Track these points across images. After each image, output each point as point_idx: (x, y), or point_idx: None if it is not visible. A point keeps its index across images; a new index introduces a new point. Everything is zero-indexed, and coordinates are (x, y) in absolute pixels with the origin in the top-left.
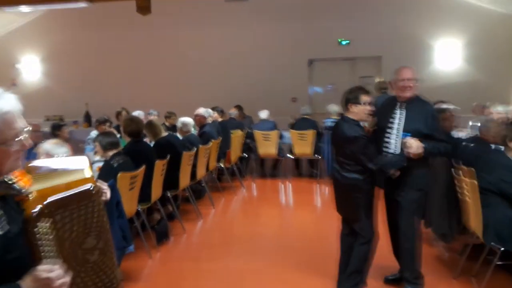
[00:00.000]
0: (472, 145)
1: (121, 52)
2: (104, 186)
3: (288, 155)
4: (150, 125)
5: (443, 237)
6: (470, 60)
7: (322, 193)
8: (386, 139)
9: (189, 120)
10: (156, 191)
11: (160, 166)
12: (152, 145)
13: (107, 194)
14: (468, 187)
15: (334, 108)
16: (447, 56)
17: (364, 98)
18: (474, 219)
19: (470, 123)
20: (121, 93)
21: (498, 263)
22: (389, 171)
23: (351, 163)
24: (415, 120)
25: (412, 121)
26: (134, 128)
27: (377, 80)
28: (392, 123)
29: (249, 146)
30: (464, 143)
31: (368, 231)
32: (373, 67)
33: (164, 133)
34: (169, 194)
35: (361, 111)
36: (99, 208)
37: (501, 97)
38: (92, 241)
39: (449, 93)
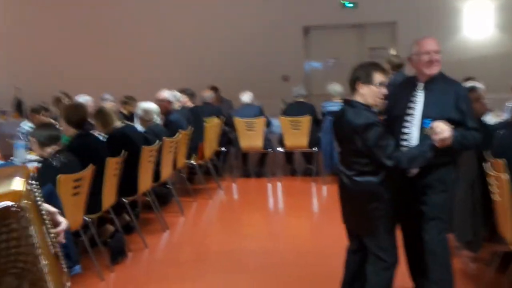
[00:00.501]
0: (502, 132)
1: (62, 25)
2: (52, 209)
3: (278, 148)
4: (100, 113)
5: (468, 245)
6: (506, 26)
7: (320, 195)
8: (406, 130)
9: (151, 106)
10: (108, 197)
11: (113, 165)
12: (103, 139)
13: (62, 224)
14: (498, 182)
15: (337, 88)
16: (478, 22)
17: (379, 77)
18: (504, 222)
19: (509, 106)
20: (64, 75)
21: None
22: (411, 169)
23: (364, 162)
24: (440, 103)
25: (435, 104)
26: (79, 118)
27: (390, 53)
28: (412, 109)
29: (228, 137)
30: (497, 131)
31: (391, 252)
32: (386, 36)
33: (119, 124)
34: (125, 200)
35: (372, 94)
36: (26, 235)
37: None
38: (11, 282)
39: (481, 68)
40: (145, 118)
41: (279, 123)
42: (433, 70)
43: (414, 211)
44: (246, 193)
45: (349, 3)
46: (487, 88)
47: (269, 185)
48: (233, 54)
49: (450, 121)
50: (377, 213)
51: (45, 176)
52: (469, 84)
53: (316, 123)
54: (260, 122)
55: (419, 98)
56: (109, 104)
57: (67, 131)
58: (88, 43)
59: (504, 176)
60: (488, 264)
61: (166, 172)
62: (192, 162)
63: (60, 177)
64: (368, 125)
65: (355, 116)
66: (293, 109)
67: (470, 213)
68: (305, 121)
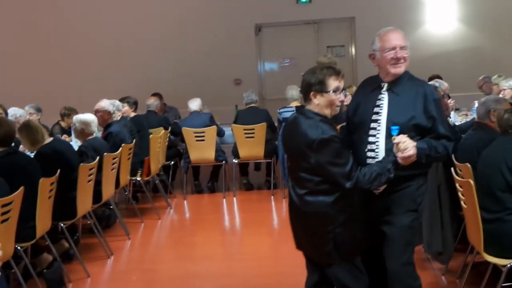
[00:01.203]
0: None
1: None
2: None
3: (232, 159)
4: (26, 128)
5: (437, 257)
6: (470, 20)
7: (279, 209)
8: (372, 138)
9: (89, 117)
10: (43, 222)
11: (47, 187)
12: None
13: None
14: (464, 188)
15: (294, 92)
16: (441, 16)
17: (333, 82)
18: (473, 230)
19: (476, 104)
20: None
21: (504, 284)
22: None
23: (317, 180)
24: (408, 107)
25: (402, 109)
26: (4, 134)
27: (320, 58)
28: (378, 114)
29: (176, 149)
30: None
31: (355, 285)
32: (344, 33)
33: (48, 139)
34: (63, 225)
35: (328, 102)
36: None
37: None
38: None
39: (446, 64)
40: (85, 131)
41: (232, 132)
42: (400, 69)
43: (378, 233)
44: (199, 210)
45: None
46: (453, 86)
47: (224, 201)
48: (179, 56)
49: (419, 127)
50: (331, 238)
51: None
52: (432, 83)
53: (272, 130)
54: (210, 131)
55: (384, 101)
56: (33, 117)
57: None
58: (24, 50)
59: (471, 182)
60: (460, 276)
61: (108, 191)
62: (137, 178)
63: None
64: (324, 141)
65: (310, 129)
66: (246, 116)
67: (438, 222)
68: (260, 129)
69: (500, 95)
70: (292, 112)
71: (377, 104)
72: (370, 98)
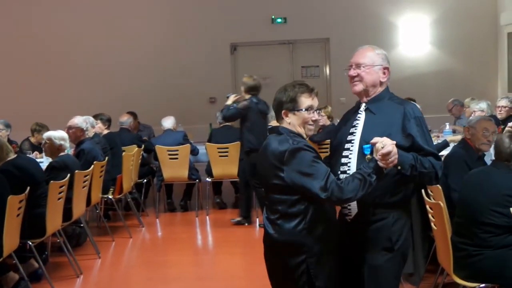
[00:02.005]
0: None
1: None
2: None
3: (206, 178)
4: None
5: (408, 278)
6: (442, 43)
7: (252, 229)
8: (345, 159)
9: (60, 134)
10: (10, 240)
11: (15, 204)
12: None
13: None
14: (435, 210)
15: (273, 112)
16: (414, 39)
17: (306, 100)
18: (443, 252)
19: (447, 127)
20: None
21: None
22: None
23: (290, 199)
24: (383, 126)
25: (377, 128)
26: None
27: (246, 78)
28: (353, 134)
29: (149, 167)
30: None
31: None
32: (319, 54)
33: (12, 155)
34: (31, 244)
35: (301, 121)
36: None
37: (483, 91)
38: None
39: (418, 86)
40: (57, 148)
41: (206, 150)
42: (355, 87)
43: (352, 271)
44: (171, 229)
45: (279, 18)
46: (425, 108)
47: (197, 220)
48: (153, 74)
49: (399, 147)
50: (304, 270)
51: None
52: None
53: None
54: (184, 149)
55: (360, 121)
56: (3, 133)
57: None
58: None
59: (442, 204)
60: None
61: (79, 209)
62: (109, 196)
63: None
64: (295, 150)
65: (281, 143)
66: (219, 135)
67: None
68: (234, 147)
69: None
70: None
71: (353, 124)
72: (350, 120)
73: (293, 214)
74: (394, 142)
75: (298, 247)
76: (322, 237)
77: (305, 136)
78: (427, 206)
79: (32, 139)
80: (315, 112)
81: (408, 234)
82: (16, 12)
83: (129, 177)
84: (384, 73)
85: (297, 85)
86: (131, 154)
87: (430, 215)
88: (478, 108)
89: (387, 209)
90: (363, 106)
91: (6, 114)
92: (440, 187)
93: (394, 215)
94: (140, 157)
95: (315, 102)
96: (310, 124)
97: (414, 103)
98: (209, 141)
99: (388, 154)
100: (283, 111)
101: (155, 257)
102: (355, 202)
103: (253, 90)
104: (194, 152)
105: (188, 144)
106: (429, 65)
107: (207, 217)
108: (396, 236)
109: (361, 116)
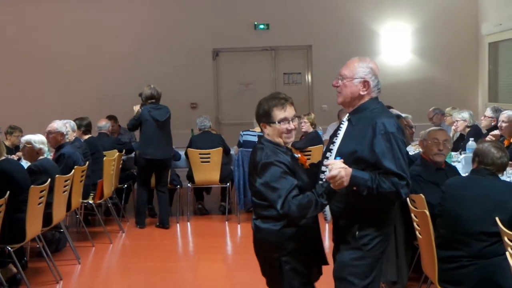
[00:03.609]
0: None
1: None
2: None
3: (187, 183)
4: None
5: (392, 286)
6: (423, 52)
7: (234, 235)
8: (324, 168)
9: (39, 138)
10: None
11: None
12: None
13: None
14: (419, 219)
15: None
16: (396, 47)
17: (278, 113)
18: (428, 260)
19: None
20: None
21: None
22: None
23: (264, 205)
24: (357, 139)
25: (351, 140)
26: None
27: (145, 89)
28: (333, 144)
29: (130, 172)
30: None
31: None
32: (301, 61)
33: (2, 158)
34: (10, 248)
35: (276, 133)
36: None
37: (464, 100)
38: None
39: (399, 95)
40: (37, 152)
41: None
42: (338, 98)
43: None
44: (151, 235)
45: (262, 24)
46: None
47: (178, 226)
48: (135, 79)
49: (363, 161)
50: (278, 266)
51: None
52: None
53: (226, 155)
54: None
55: (341, 131)
56: None
57: None
58: None
59: (427, 213)
60: None
61: (59, 214)
62: (90, 201)
63: None
64: (266, 164)
65: (258, 153)
66: (200, 141)
67: (393, 251)
68: (216, 153)
69: (453, 127)
70: (254, 136)
71: (336, 133)
72: (336, 129)
73: (267, 217)
74: (342, 165)
75: (272, 245)
76: (295, 237)
77: (283, 144)
78: (412, 215)
79: (7, 142)
80: (290, 122)
81: (384, 241)
82: None
83: (109, 182)
84: (364, 86)
85: (270, 99)
86: (112, 159)
87: (415, 224)
88: (460, 117)
89: (352, 212)
90: (346, 116)
91: None
92: (423, 196)
93: (362, 219)
94: (121, 162)
95: (288, 113)
96: (286, 133)
97: (389, 118)
98: (189, 147)
99: (333, 178)
100: (261, 124)
101: (135, 264)
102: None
103: (150, 98)
104: (175, 157)
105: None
106: (411, 73)
107: (188, 223)
108: (366, 238)
109: (343, 126)
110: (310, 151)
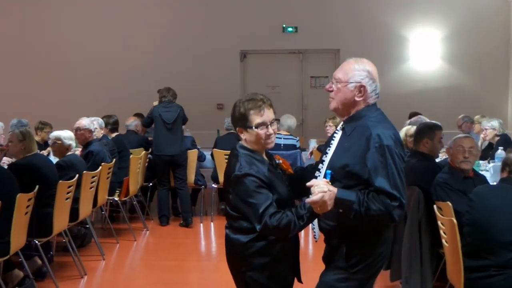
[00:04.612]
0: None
1: None
2: None
3: (212, 184)
4: (28, 136)
5: None
6: (452, 58)
7: None
8: (310, 183)
9: (68, 134)
10: (18, 238)
11: (24, 202)
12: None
13: None
14: (446, 227)
15: (289, 121)
16: (425, 53)
17: (256, 118)
18: (454, 268)
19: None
20: None
21: None
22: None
23: (234, 215)
24: (349, 152)
25: (344, 152)
26: None
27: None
28: (326, 155)
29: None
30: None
31: None
32: (328, 64)
33: (34, 152)
34: (37, 242)
35: (254, 139)
36: None
37: (493, 108)
38: None
39: (427, 101)
40: (66, 148)
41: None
42: (330, 104)
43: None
44: (175, 234)
45: (290, 27)
46: None
47: (201, 225)
48: (162, 78)
49: (354, 176)
50: (244, 281)
51: None
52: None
53: None
54: (192, 155)
55: (335, 141)
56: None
57: None
58: (4, 66)
59: (454, 221)
60: None
61: (85, 209)
62: (115, 198)
63: None
64: (238, 177)
65: (233, 164)
66: (226, 141)
67: (417, 258)
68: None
69: (482, 135)
70: (279, 139)
71: (330, 143)
72: (330, 138)
73: (236, 228)
74: (325, 188)
75: (239, 258)
76: (263, 252)
77: (261, 151)
78: (439, 222)
79: (36, 138)
80: (268, 126)
81: (374, 264)
82: (25, 16)
83: (135, 180)
84: (360, 92)
85: (246, 101)
86: (139, 157)
87: (441, 232)
88: (489, 126)
89: (350, 231)
90: (341, 124)
91: (12, 114)
92: (450, 204)
93: (357, 238)
94: (147, 160)
95: (266, 117)
96: (265, 139)
97: (387, 129)
98: (215, 147)
99: (314, 203)
100: (237, 129)
101: (158, 261)
102: (317, 222)
103: (162, 97)
104: (201, 158)
105: (196, 150)
106: (439, 80)
107: (212, 223)
108: (354, 259)
109: (337, 136)
110: None
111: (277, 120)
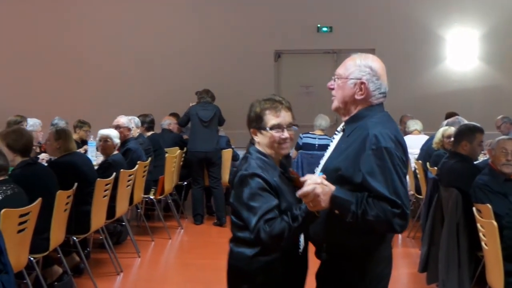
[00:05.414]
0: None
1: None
2: None
3: None
4: (64, 134)
5: None
6: (490, 58)
7: None
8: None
9: (115, 133)
10: (57, 234)
11: (63, 199)
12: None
13: None
14: (486, 229)
15: (323, 122)
16: (462, 53)
17: (271, 118)
18: (494, 272)
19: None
20: (10, 96)
21: None
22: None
23: (239, 224)
24: (345, 154)
25: (339, 155)
26: (25, 144)
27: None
28: (324, 157)
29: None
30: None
31: None
32: None
33: (73, 151)
34: (75, 238)
35: (267, 141)
36: None
37: None
38: None
39: (463, 102)
40: (110, 147)
41: None
42: (332, 103)
43: None
44: (209, 233)
45: (325, 27)
46: None
47: None
48: (196, 78)
49: (346, 181)
50: None
51: None
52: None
53: (285, 157)
54: (226, 154)
55: (333, 142)
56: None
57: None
58: (37, 62)
59: (494, 223)
60: None
61: (122, 207)
62: (151, 196)
63: (4, 212)
64: (244, 177)
65: (240, 164)
66: None
67: (455, 261)
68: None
69: None
70: (314, 139)
71: (329, 144)
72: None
73: (240, 240)
74: (319, 181)
75: (241, 274)
76: (270, 268)
77: (274, 156)
78: (478, 225)
79: (75, 136)
80: (284, 130)
81: (370, 287)
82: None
83: (170, 178)
84: (360, 89)
85: (263, 100)
86: (174, 156)
87: (480, 234)
88: None
89: (340, 246)
90: (341, 125)
91: (49, 114)
92: (489, 206)
93: (349, 255)
94: (182, 159)
95: (283, 119)
96: (280, 143)
97: (386, 129)
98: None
99: (305, 195)
100: (251, 130)
101: (192, 260)
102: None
103: (201, 98)
104: (235, 157)
105: (231, 149)
106: (476, 80)
107: None
108: (344, 282)
109: (336, 137)
110: None
111: (296, 125)
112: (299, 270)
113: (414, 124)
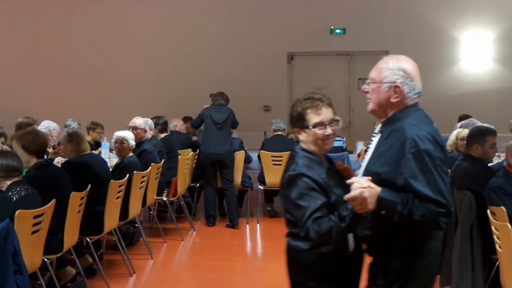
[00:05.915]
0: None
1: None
2: None
3: (258, 185)
4: (77, 136)
5: None
6: (505, 60)
7: None
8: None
9: (130, 135)
10: (71, 235)
11: (77, 200)
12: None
13: None
14: (500, 232)
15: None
16: (476, 55)
17: (313, 117)
18: (508, 274)
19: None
20: (24, 99)
21: None
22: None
23: (292, 220)
24: (382, 156)
25: (379, 156)
26: (40, 146)
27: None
28: (364, 160)
29: (202, 172)
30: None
31: None
32: None
33: (87, 152)
34: (88, 240)
35: (311, 139)
36: None
37: None
38: None
39: (478, 104)
40: (126, 149)
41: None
42: (368, 105)
43: None
44: (221, 234)
45: (338, 29)
46: None
47: (247, 227)
48: (209, 79)
49: (387, 185)
50: None
51: (1, 211)
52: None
53: None
54: (239, 156)
55: (372, 144)
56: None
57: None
58: (51, 65)
59: (509, 226)
60: None
61: (135, 209)
62: (163, 198)
63: (19, 213)
64: (292, 177)
65: (288, 164)
66: (273, 143)
67: (469, 264)
68: (287, 156)
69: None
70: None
71: (368, 147)
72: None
73: (295, 234)
74: (366, 184)
75: (299, 266)
76: (325, 261)
77: (319, 152)
78: (492, 228)
79: (88, 138)
80: (327, 126)
81: (419, 278)
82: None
83: (183, 180)
84: (395, 92)
85: (304, 99)
86: (187, 158)
87: (495, 237)
88: None
89: (388, 242)
90: (379, 126)
91: (63, 116)
92: (504, 209)
93: (396, 250)
94: (194, 161)
95: (324, 116)
96: (324, 140)
97: (422, 130)
98: (262, 149)
99: (353, 199)
100: (295, 129)
101: (205, 261)
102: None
103: (215, 100)
104: (248, 159)
105: (243, 151)
106: (491, 82)
107: (258, 224)
108: (392, 274)
109: (374, 139)
110: None
111: (337, 120)
112: (353, 265)
113: None
